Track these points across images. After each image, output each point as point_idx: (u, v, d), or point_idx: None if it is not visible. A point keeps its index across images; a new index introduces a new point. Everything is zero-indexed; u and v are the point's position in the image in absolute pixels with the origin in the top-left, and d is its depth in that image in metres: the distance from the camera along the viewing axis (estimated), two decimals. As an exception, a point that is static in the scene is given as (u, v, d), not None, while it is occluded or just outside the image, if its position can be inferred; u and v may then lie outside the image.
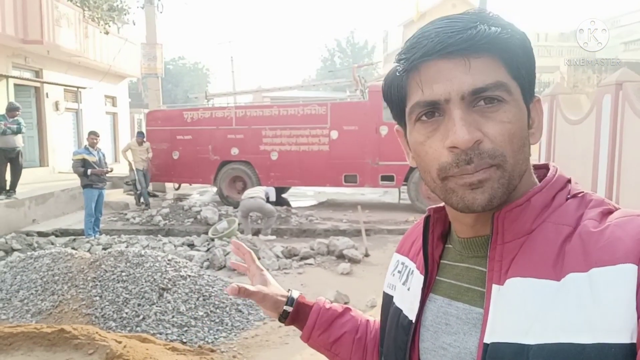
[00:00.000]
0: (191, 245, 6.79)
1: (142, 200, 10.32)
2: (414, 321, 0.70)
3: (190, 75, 40.93)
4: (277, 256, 6.24)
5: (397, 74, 0.63)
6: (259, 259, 5.75)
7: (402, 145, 0.71)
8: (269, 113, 10.30)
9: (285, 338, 4.00)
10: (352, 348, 0.92)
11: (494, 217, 0.62)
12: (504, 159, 0.58)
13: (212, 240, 6.73)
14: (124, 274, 4.17)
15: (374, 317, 0.98)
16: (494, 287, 0.59)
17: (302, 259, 6.21)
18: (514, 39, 0.60)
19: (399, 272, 0.79)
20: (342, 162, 9.71)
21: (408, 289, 0.74)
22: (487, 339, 0.58)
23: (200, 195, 12.62)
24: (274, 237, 7.67)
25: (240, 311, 4.33)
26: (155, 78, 13.70)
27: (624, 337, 0.50)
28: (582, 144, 7.20)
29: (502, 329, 0.57)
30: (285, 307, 0.93)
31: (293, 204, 11.00)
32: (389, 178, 9.63)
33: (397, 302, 0.76)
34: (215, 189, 11.12)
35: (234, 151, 10.40)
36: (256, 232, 7.96)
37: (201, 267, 5.31)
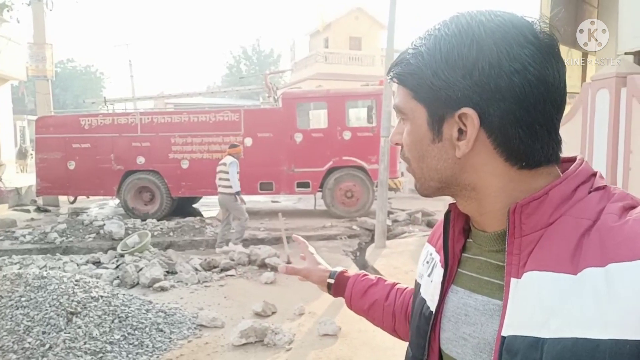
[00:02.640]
0: (97, 263, 6.21)
1: None
2: (434, 312, 0.73)
3: (82, 79, 38.10)
4: (196, 269, 5.93)
5: None
6: (175, 273, 5.39)
7: None
8: (178, 119, 9.84)
9: (213, 355, 3.79)
10: (382, 313, 1.04)
11: (509, 211, 0.62)
12: (409, 161, 0.71)
13: (122, 256, 6.22)
14: (23, 299, 3.67)
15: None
16: (512, 280, 0.60)
17: (222, 270, 5.97)
18: (418, 63, 0.65)
19: (427, 262, 0.82)
20: (257, 170, 9.55)
21: (432, 281, 0.77)
22: (505, 332, 0.59)
23: (100, 208, 11.66)
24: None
25: (161, 330, 4.03)
26: (44, 81, 12.48)
27: None
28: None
29: (518, 322, 0.58)
30: (328, 280, 1.12)
31: (205, 214, 10.59)
32: (305, 185, 9.67)
33: (423, 292, 0.80)
34: (117, 201, 10.34)
35: (140, 160, 9.77)
36: (169, 245, 7.52)
37: (111, 285, 4.86)
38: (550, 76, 0.61)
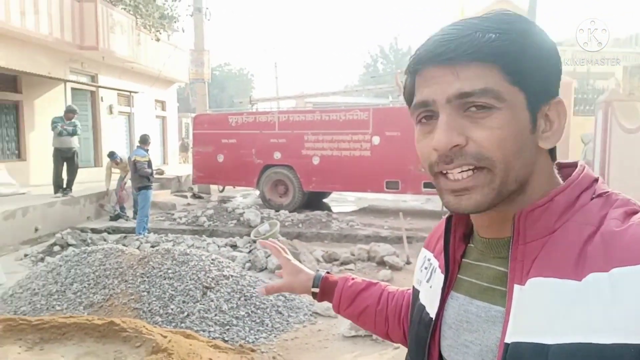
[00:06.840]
0: (234, 246, 6.93)
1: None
2: (434, 318, 0.73)
3: (236, 81, 41.97)
4: (318, 260, 6.26)
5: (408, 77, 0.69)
6: (300, 262, 5.79)
7: None
8: (311, 118, 10.38)
9: (324, 342, 4.01)
10: (374, 319, 1.02)
11: (514, 218, 0.62)
12: (491, 162, 0.59)
13: (254, 242, 6.84)
14: (170, 271, 4.30)
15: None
16: (516, 287, 0.60)
17: (342, 264, 6.21)
18: (517, 44, 0.59)
19: (426, 268, 0.82)
20: (384, 168, 9.63)
21: (431, 287, 0.77)
22: (508, 339, 0.58)
23: (243, 198, 12.86)
24: None
25: (280, 313, 4.37)
26: (202, 83, 14.12)
27: None
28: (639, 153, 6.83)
29: (522, 328, 0.57)
30: (313, 289, 1.08)
31: (334, 209, 11.02)
32: (432, 185, 9.42)
33: (422, 298, 0.79)
34: (258, 192, 11.31)
35: (277, 155, 10.53)
36: (297, 236, 8.02)
37: (243, 268, 5.41)
38: None
